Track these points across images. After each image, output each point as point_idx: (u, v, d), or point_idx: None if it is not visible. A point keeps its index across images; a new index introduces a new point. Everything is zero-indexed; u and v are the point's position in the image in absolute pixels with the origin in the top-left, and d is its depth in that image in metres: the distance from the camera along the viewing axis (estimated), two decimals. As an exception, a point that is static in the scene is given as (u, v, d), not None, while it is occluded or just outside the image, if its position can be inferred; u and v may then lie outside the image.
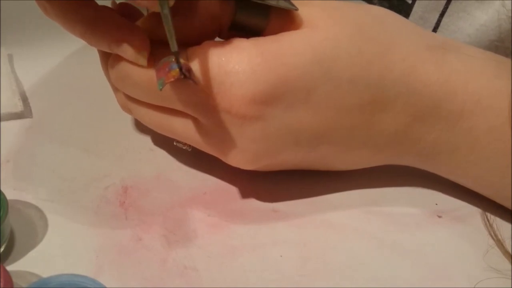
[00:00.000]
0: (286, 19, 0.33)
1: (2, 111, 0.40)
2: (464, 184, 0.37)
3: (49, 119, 0.41)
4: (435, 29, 0.43)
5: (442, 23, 0.42)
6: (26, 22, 0.49)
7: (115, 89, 0.37)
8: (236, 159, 0.34)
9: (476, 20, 0.41)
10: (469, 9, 0.41)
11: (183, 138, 0.35)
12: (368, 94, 0.34)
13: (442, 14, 0.42)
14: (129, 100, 0.36)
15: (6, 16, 0.48)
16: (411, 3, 0.43)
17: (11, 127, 0.40)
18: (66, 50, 0.47)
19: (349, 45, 0.33)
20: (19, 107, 0.41)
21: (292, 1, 0.33)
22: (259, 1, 0.32)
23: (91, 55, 0.38)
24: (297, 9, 0.33)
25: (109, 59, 0.35)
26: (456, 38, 0.42)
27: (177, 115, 0.34)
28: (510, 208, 0.36)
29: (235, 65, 0.32)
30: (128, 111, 0.37)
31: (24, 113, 0.41)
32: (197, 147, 0.35)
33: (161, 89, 0.30)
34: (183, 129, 0.34)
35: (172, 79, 0.30)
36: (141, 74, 0.33)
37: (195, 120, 0.34)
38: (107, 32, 0.33)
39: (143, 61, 0.32)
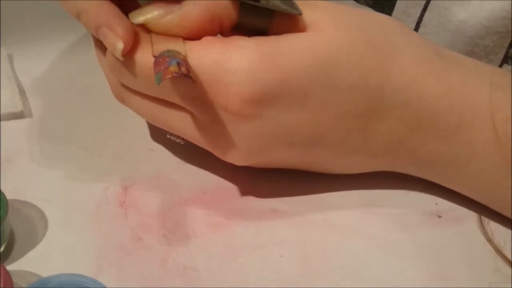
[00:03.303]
0: (290, 22, 0.33)
1: (2, 111, 0.40)
2: (461, 192, 0.37)
3: (49, 119, 0.41)
4: (418, 24, 0.43)
5: (424, 18, 0.42)
6: (26, 22, 0.49)
7: (110, 78, 0.36)
8: (230, 155, 0.34)
9: (455, 16, 0.41)
10: (448, 4, 0.41)
11: (177, 131, 0.35)
12: (365, 101, 0.34)
13: (424, 9, 0.42)
14: (124, 89, 0.35)
15: (6, 16, 0.48)
16: None
17: (11, 127, 0.40)
18: (66, 50, 0.47)
19: (351, 51, 0.33)
20: (19, 107, 0.41)
21: (297, 4, 0.33)
22: (262, 5, 0.32)
23: (91, 55, 0.38)
24: (300, 14, 0.33)
25: None
26: (438, 33, 0.42)
27: (173, 107, 0.34)
28: (508, 216, 0.36)
29: (234, 63, 0.32)
30: (122, 100, 0.36)
31: (24, 113, 0.41)
32: (191, 141, 0.35)
33: (158, 84, 0.30)
34: (178, 123, 0.34)
35: (170, 76, 0.30)
36: (139, 64, 0.33)
37: (190, 114, 0.34)
38: (97, 15, 0.32)
39: (118, 52, 0.32)
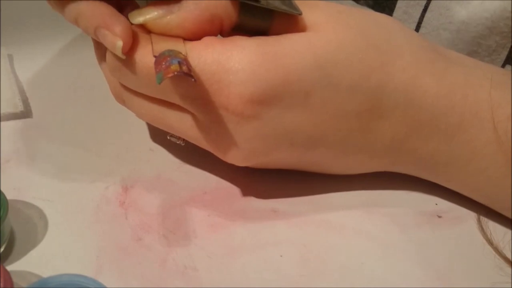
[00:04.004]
0: (290, 22, 0.33)
1: (2, 111, 0.40)
2: (462, 192, 0.37)
3: (49, 119, 0.41)
4: (419, 25, 0.43)
5: (425, 19, 0.42)
6: (26, 22, 0.49)
7: (110, 79, 0.36)
8: (231, 155, 0.34)
9: (456, 16, 0.41)
10: (449, 5, 0.41)
11: (177, 132, 0.35)
12: (366, 101, 0.34)
13: (425, 10, 0.42)
14: (124, 90, 0.35)
15: (6, 16, 0.48)
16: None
17: (11, 127, 0.40)
18: (67, 50, 0.47)
19: (351, 51, 0.33)
20: (19, 107, 0.41)
21: (297, 4, 0.33)
22: (263, 5, 0.32)
23: (91, 55, 0.38)
24: (300, 14, 0.33)
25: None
26: (439, 34, 0.42)
27: (173, 108, 0.34)
28: (508, 216, 0.36)
29: (235, 63, 0.32)
30: (122, 102, 0.36)
31: (24, 113, 0.41)
32: (192, 141, 0.35)
33: (159, 83, 0.30)
34: (178, 123, 0.34)
35: (172, 75, 0.30)
36: (139, 64, 0.33)
37: (191, 115, 0.34)
38: (93, 17, 0.32)
39: (118, 50, 0.32)
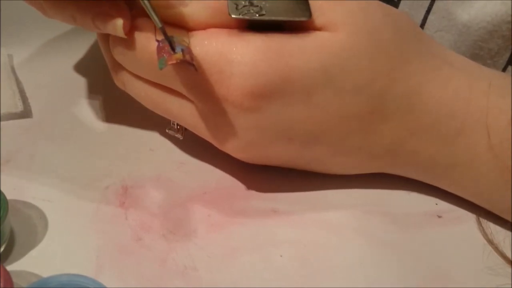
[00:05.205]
0: (303, 23, 0.33)
1: (2, 111, 0.40)
2: (462, 196, 0.37)
3: (49, 119, 0.41)
4: (422, 27, 0.43)
5: (428, 21, 0.42)
6: (26, 22, 0.49)
7: (110, 61, 0.36)
8: (228, 145, 0.34)
9: (458, 19, 0.41)
10: (451, 8, 0.41)
11: (177, 118, 0.35)
12: (368, 104, 0.34)
13: (428, 11, 0.42)
14: (125, 72, 0.35)
15: (6, 16, 0.48)
16: (397, 1, 0.43)
17: (11, 127, 0.40)
18: (67, 50, 0.47)
19: (361, 58, 0.33)
20: (19, 107, 0.41)
21: (310, 5, 0.32)
22: (264, 19, 0.32)
23: (91, 55, 0.38)
24: (308, 18, 0.32)
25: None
26: (442, 36, 0.42)
27: (174, 94, 0.34)
28: (508, 219, 0.36)
29: (238, 55, 0.32)
30: (122, 85, 0.37)
31: (24, 113, 0.41)
32: (190, 129, 0.36)
33: (161, 68, 0.30)
34: (177, 110, 0.35)
35: (175, 61, 0.30)
36: (142, 47, 0.33)
37: (191, 102, 0.34)
38: (88, 9, 0.33)
39: (120, 29, 0.32)
